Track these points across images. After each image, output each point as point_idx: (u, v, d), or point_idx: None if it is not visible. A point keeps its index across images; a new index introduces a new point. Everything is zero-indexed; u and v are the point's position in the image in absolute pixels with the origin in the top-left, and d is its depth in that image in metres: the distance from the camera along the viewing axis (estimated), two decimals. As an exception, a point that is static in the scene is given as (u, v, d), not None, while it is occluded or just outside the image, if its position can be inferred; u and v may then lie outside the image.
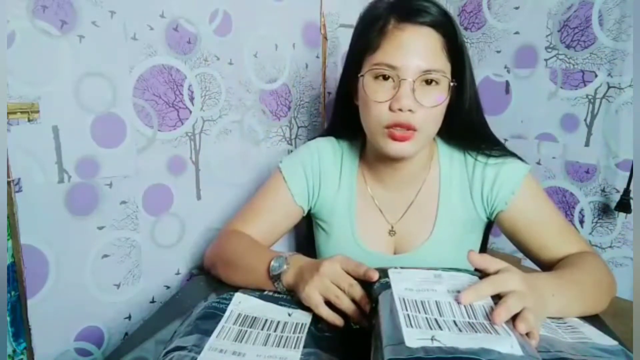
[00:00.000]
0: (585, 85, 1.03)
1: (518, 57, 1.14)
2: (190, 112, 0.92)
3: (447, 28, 0.71)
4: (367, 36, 0.73)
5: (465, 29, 1.23)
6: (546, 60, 1.09)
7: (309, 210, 0.88)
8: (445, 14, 0.72)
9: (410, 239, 0.82)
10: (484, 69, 1.20)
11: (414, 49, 0.70)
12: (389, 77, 0.71)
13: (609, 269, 0.72)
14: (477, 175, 0.79)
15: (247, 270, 0.72)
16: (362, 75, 0.73)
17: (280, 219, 0.84)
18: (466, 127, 0.79)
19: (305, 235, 1.04)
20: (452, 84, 0.72)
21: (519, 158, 0.79)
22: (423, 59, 0.69)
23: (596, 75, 1.01)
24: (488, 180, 0.77)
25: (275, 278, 0.66)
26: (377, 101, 0.71)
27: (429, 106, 0.70)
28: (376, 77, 0.72)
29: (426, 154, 0.81)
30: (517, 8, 1.13)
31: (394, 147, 0.72)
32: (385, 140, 0.72)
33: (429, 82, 0.70)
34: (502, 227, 0.80)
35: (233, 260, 0.76)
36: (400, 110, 0.69)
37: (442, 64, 0.71)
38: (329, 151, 0.86)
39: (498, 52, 1.17)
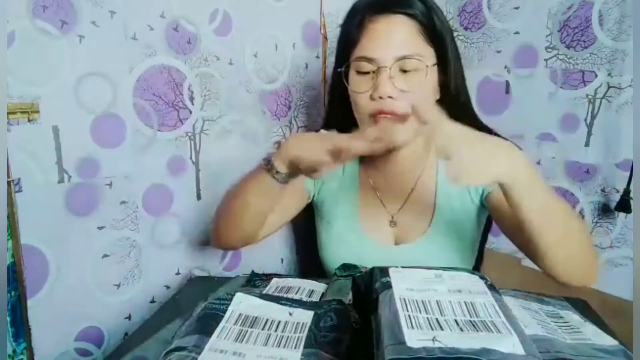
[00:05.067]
0: (585, 85, 1.03)
1: (518, 57, 1.14)
2: (190, 112, 0.92)
3: (423, 14, 0.73)
4: (348, 31, 0.76)
5: (465, 29, 1.23)
6: (546, 60, 1.09)
7: (313, 199, 0.88)
8: (422, 1, 0.74)
9: (411, 230, 0.82)
10: (484, 69, 1.20)
11: (388, 39, 0.72)
12: (369, 69, 0.73)
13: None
14: None
15: (245, 182, 0.75)
16: (345, 69, 0.76)
17: (289, 194, 0.83)
18: (457, 115, 0.80)
19: (304, 238, 1.04)
20: (428, 65, 0.72)
21: (515, 145, 0.80)
22: (398, 46, 0.72)
23: (596, 75, 1.01)
24: None
25: (269, 161, 0.71)
26: (359, 92, 0.73)
27: (408, 90, 0.71)
28: (357, 71, 0.74)
29: (422, 143, 0.82)
30: (517, 8, 1.13)
31: None
32: None
33: (407, 70, 0.72)
34: (491, 209, 0.80)
35: (231, 193, 0.79)
36: (381, 98, 0.71)
37: (418, 49, 0.73)
38: None
39: (498, 52, 1.17)
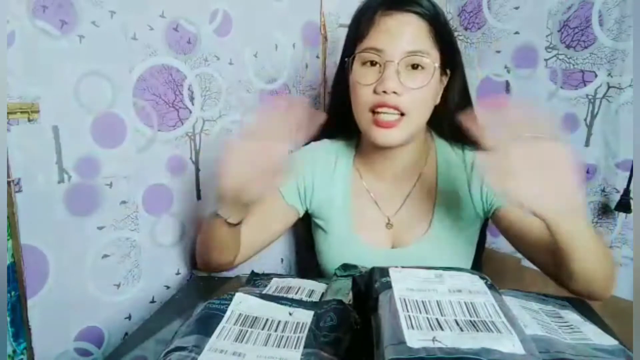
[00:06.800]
0: (585, 85, 1.03)
1: (518, 57, 1.14)
2: (190, 112, 0.92)
3: (433, 17, 0.74)
4: (358, 26, 0.76)
5: (465, 29, 1.23)
6: (546, 60, 1.09)
7: (306, 211, 0.88)
8: (433, 5, 0.75)
9: (408, 233, 0.82)
10: (484, 69, 1.20)
11: (399, 33, 0.72)
12: (375, 62, 0.73)
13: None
14: (476, 169, 0.79)
15: (204, 232, 0.80)
16: (351, 59, 0.76)
17: (271, 214, 0.84)
18: (456, 122, 0.80)
19: (304, 238, 1.04)
20: (435, 65, 0.73)
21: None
22: (407, 41, 0.72)
23: (596, 75, 1.01)
24: None
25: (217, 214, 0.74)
26: (363, 84, 0.73)
27: (414, 87, 0.71)
28: (364, 63, 0.74)
29: (420, 146, 0.82)
30: (517, 8, 1.13)
31: (380, 134, 0.74)
32: (372, 127, 0.74)
33: (414, 66, 0.72)
34: (500, 225, 0.79)
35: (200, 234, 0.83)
36: (385, 92, 0.70)
37: (427, 47, 0.73)
38: (321, 153, 0.88)
39: (498, 52, 1.17)
